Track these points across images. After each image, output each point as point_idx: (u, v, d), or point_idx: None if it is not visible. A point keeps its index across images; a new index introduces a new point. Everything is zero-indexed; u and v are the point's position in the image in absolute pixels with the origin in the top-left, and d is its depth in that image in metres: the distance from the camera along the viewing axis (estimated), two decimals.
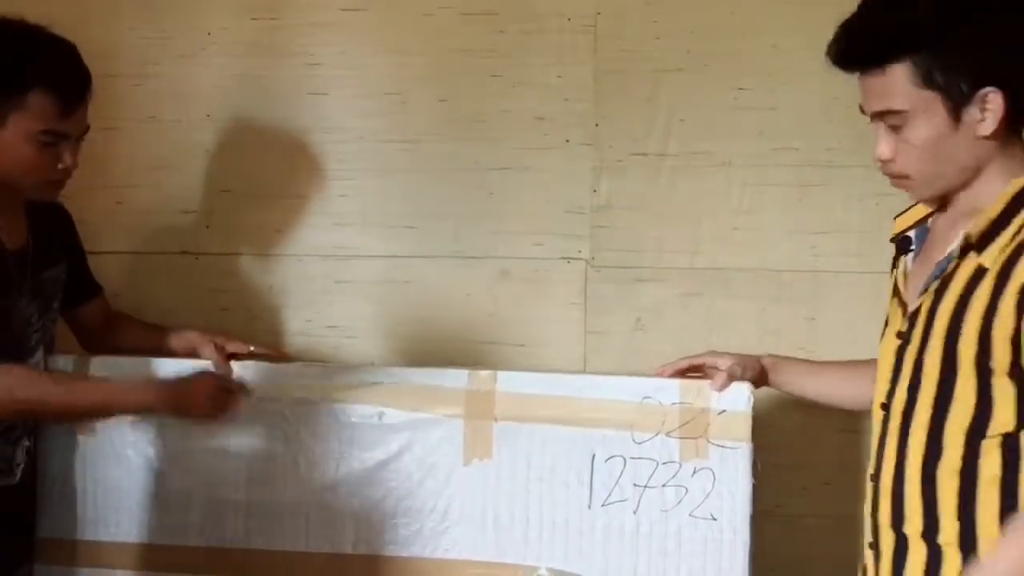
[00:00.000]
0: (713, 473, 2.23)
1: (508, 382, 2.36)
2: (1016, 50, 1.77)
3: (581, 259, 2.85)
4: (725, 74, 2.76)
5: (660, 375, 2.33)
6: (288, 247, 2.95)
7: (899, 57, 1.78)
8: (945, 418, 1.83)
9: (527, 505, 2.32)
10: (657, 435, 2.26)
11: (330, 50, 2.91)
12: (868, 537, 1.98)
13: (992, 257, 1.79)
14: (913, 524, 1.87)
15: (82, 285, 2.61)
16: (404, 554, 2.37)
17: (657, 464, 2.25)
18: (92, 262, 2.65)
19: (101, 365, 2.49)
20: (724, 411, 2.24)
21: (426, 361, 2.60)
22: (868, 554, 1.98)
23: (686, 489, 2.24)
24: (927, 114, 1.79)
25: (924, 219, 2.00)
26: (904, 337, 1.91)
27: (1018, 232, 1.78)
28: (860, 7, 1.83)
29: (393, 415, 2.39)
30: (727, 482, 2.23)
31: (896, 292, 2.00)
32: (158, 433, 2.49)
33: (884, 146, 1.85)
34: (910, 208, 2.04)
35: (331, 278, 2.93)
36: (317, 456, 2.39)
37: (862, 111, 1.88)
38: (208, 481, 2.44)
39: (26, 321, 2.37)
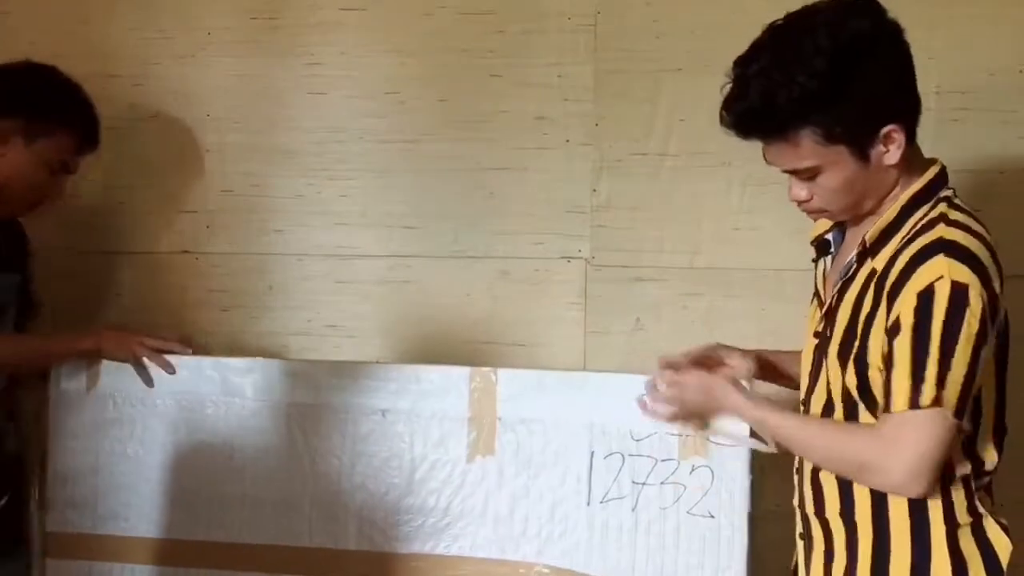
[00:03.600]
0: (712, 471, 2.24)
1: (509, 380, 2.36)
2: (901, 84, 1.87)
3: (581, 259, 2.85)
4: (725, 74, 2.75)
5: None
6: (288, 247, 2.95)
7: (800, 125, 1.83)
8: (855, 411, 1.92)
9: (527, 502, 2.33)
10: (656, 432, 2.26)
11: (330, 50, 2.91)
12: (799, 528, 2.07)
13: (881, 260, 1.88)
14: (831, 507, 1.96)
15: (28, 303, 2.70)
16: (406, 550, 2.38)
17: (656, 461, 2.26)
18: (92, 262, 2.67)
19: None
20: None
21: (426, 361, 2.59)
22: (799, 544, 2.08)
23: (684, 487, 2.25)
24: (837, 165, 1.87)
25: (841, 222, 2.07)
26: (820, 336, 2.00)
27: (905, 236, 1.87)
28: (740, 83, 1.87)
29: (395, 413, 2.41)
30: (725, 480, 2.24)
31: (816, 293, 2.09)
32: (164, 431, 2.52)
33: (798, 191, 1.94)
34: None
35: (331, 278, 2.93)
36: (320, 453, 2.41)
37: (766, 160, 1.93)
38: (212, 477, 2.46)
39: None
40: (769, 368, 2.28)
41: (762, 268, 2.78)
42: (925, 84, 2.66)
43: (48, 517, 2.58)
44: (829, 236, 2.09)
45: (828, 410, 1.96)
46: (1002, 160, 2.69)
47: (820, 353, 2.00)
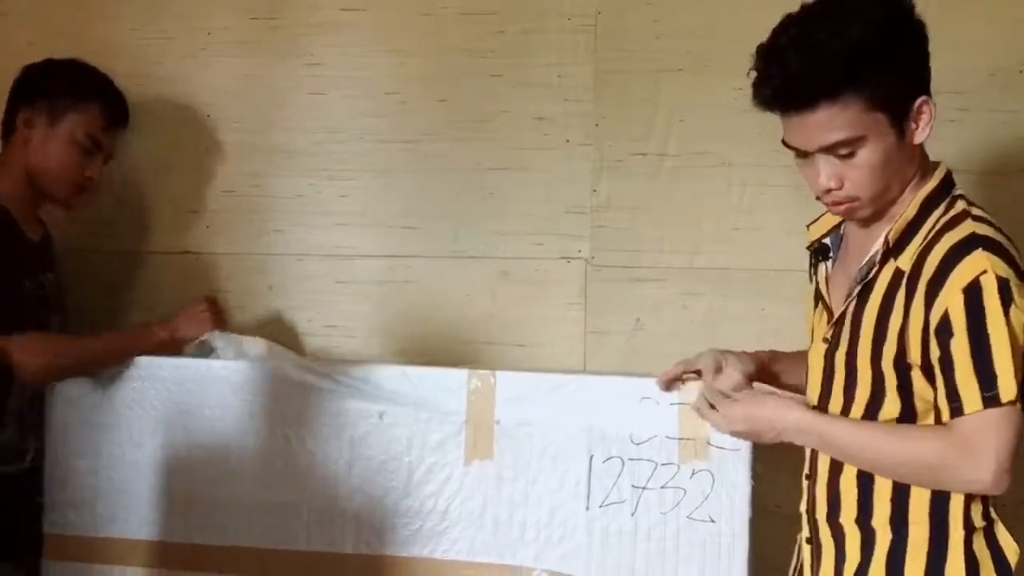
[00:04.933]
0: (712, 475, 2.23)
1: (508, 382, 2.35)
2: (927, 57, 1.90)
3: (581, 259, 2.85)
4: (725, 74, 2.74)
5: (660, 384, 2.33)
6: (288, 247, 2.95)
7: (849, 87, 1.81)
8: (877, 415, 1.91)
9: (526, 506, 2.32)
10: (655, 436, 2.26)
11: (330, 50, 2.92)
12: (805, 533, 2.07)
13: (907, 260, 1.88)
14: (847, 513, 1.96)
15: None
16: (404, 554, 2.37)
17: (656, 465, 2.26)
18: (93, 261, 2.67)
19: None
20: None
21: (426, 361, 2.59)
22: (805, 548, 2.07)
23: (685, 491, 2.25)
24: (878, 136, 1.85)
25: (837, 226, 2.08)
26: (830, 342, 1.99)
27: (928, 234, 1.87)
28: (778, 54, 1.86)
29: (393, 415, 2.39)
30: (726, 484, 2.23)
31: (820, 298, 2.08)
32: (162, 433, 2.51)
33: (829, 176, 1.90)
34: (822, 216, 2.12)
35: (331, 278, 2.93)
36: (317, 456, 2.40)
37: (787, 146, 1.93)
38: (210, 480, 2.45)
39: (44, 311, 2.62)
40: (768, 371, 2.28)
41: (762, 268, 2.78)
42: None
43: (46, 519, 2.57)
44: (827, 240, 2.08)
45: (846, 412, 1.95)
46: (1002, 160, 2.69)
47: (831, 359, 1.99)
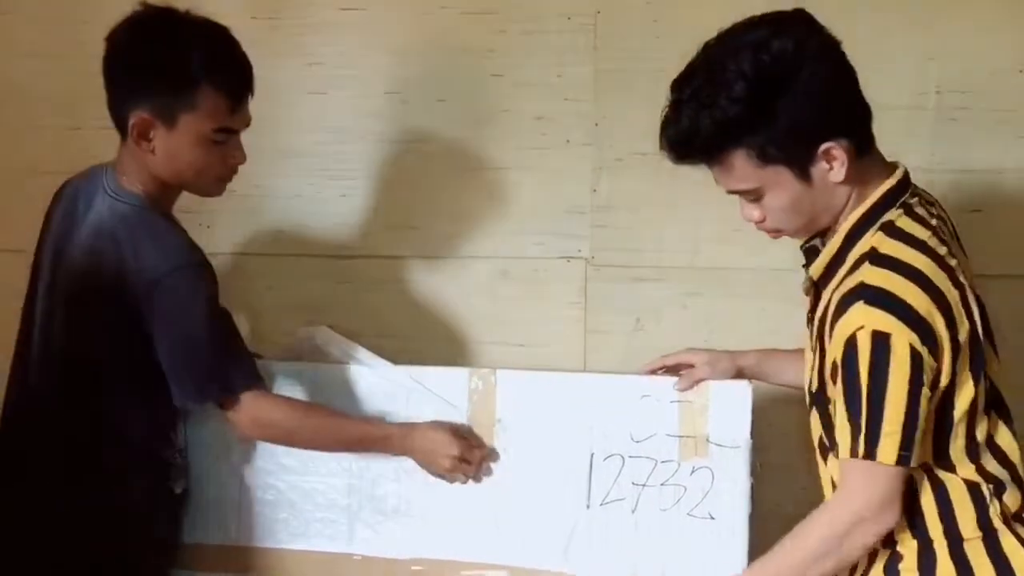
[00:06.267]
0: (712, 472, 2.22)
1: (508, 381, 2.35)
2: (837, 97, 1.82)
3: (581, 259, 2.86)
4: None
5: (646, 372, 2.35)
6: (289, 247, 2.95)
7: (729, 148, 1.82)
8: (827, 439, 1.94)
9: (526, 504, 2.31)
10: (656, 434, 2.25)
11: (330, 50, 2.92)
12: None
13: (828, 294, 1.88)
14: None
15: None
16: (403, 554, 2.36)
17: (656, 463, 2.24)
18: None
19: None
20: (722, 409, 2.25)
21: (426, 361, 2.59)
22: None
23: (685, 488, 2.23)
24: (778, 185, 1.84)
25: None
26: (815, 353, 1.97)
27: (844, 275, 1.85)
28: (673, 107, 1.86)
29: (394, 415, 2.37)
30: (726, 481, 2.22)
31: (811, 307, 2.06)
32: None
33: (749, 212, 1.92)
34: None
35: (331, 278, 2.93)
36: (315, 455, 2.37)
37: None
38: (209, 479, 2.43)
39: None
40: (758, 371, 2.31)
41: (762, 268, 2.78)
42: (925, 84, 2.70)
43: None
44: (817, 242, 2.04)
45: (829, 430, 1.93)
46: (1002, 160, 2.69)
47: (812, 374, 1.99)
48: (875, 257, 1.81)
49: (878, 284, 1.78)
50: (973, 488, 1.88)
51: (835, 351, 1.80)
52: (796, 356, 2.24)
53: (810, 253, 2.06)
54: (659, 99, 2.75)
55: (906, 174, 1.91)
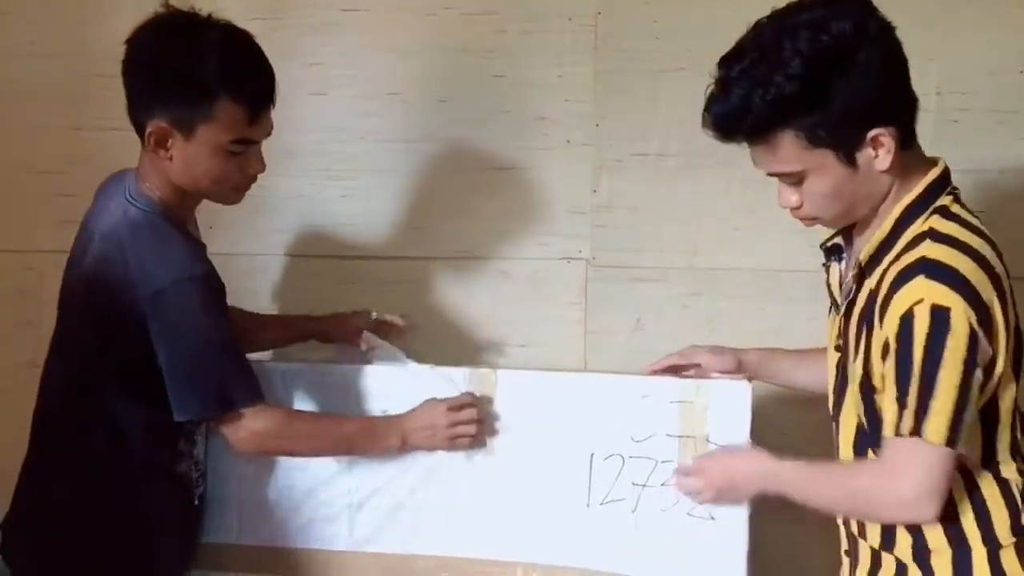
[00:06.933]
0: None
1: (508, 380, 2.35)
2: (889, 84, 1.80)
3: (581, 259, 2.86)
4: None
5: (650, 373, 2.34)
6: (289, 247, 2.95)
7: (778, 128, 1.79)
8: (870, 432, 1.90)
9: (526, 503, 2.30)
10: (656, 434, 2.24)
11: (331, 50, 2.92)
12: (844, 545, 2.06)
13: (875, 280, 1.84)
14: (872, 538, 1.95)
15: None
16: (403, 551, 2.35)
17: (656, 463, 2.23)
18: None
19: None
20: (722, 410, 2.24)
21: (425, 361, 2.59)
22: (845, 561, 2.06)
23: None
24: (822, 169, 1.81)
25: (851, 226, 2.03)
26: (841, 350, 1.97)
27: (899, 253, 1.82)
28: (722, 84, 1.84)
29: (393, 413, 2.35)
30: None
31: (833, 301, 2.05)
32: None
33: (787, 198, 1.89)
34: None
35: (331, 278, 2.93)
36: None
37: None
38: (209, 479, 2.42)
39: None
40: (761, 371, 2.30)
41: (762, 268, 2.79)
42: (925, 84, 2.68)
43: None
44: (839, 240, 2.04)
45: (859, 429, 1.93)
46: (1002, 160, 2.69)
47: (843, 367, 1.96)
48: (936, 235, 1.80)
49: (940, 259, 1.75)
50: (1007, 490, 1.86)
51: (890, 327, 1.75)
52: (799, 357, 2.24)
53: (832, 251, 2.05)
54: (659, 99, 2.80)
55: (947, 167, 1.90)
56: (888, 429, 1.77)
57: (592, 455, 2.27)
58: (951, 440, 1.73)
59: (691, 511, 2.21)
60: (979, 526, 1.84)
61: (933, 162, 1.90)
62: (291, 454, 2.34)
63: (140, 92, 2.14)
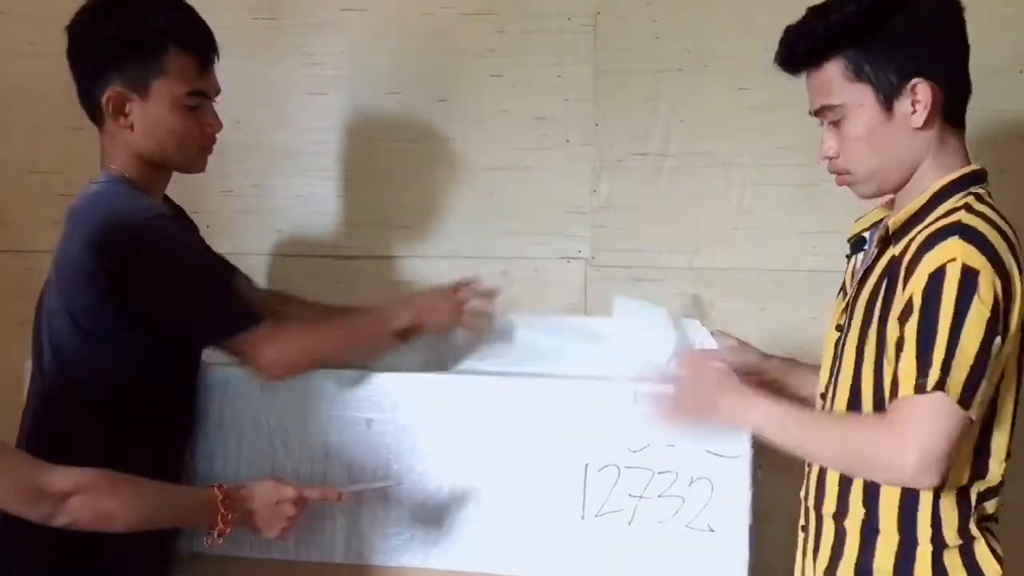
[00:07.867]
0: (711, 483, 2.16)
1: (501, 388, 2.30)
2: (941, 42, 1.89)
3: (581, 259, 2.86)
4: (725, 74, 2.75)
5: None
6: (288, 247, 2.95)
7: (832, 54, 1.89)
8: (859, 407, 1.90)
9: (519, 515, 2.26)
10: (652, 444, 2.20)
11: (330, 50, 2.92)
12: (801, 520, 2.07)
13: (901, 247, 1.86)
14: (828, 506, 1.96)
15: None
16: (395, 564, 2.31)
17: (653, 474, 2.19)
18: None
19: None
20: None
21: (424, 363, 2.58)
22: (800, 536, 2.07)
23: (683, 500, 2.17)
24: (861, 107, 1.88)
25: (880, 220, 2.05)
26: (841, 329, 2.00)
27: (931, 223, 1.83)
28: (807, 12, 1.93)
29: (382, 423, 2.32)
30: (726, 493, 2.16)
31: (843, 287, 2.08)
32: None
33: (829, 143, 1.95)
34: (870, 212, 2.10)
35: (331, 278, 2.93)
36: (305, 464, 2.33)
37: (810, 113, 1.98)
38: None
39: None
40: (774, 382, 2.28)
41: (762, 268, 2.78)
42: None
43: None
44: (866, 234, 2.07)
45: (851, 405, 1.92)
46: (1002, 160, 2.68)
47: (840, 347, 1.98)
48: (971, 210, 1.82)
49: (975, 226, 1.78)
50: (965, 492, 1.86)
51: (917, 284, 1.76)
52: (803, 373, 2.24)
53: (857, 245, 2.08)
54: (659, 99, 2.79)
55: (984, 170, 1.95)
56: (904, 389, 1.75)
57: (587, 466, 2.22)
58: (965, 400, 1.72)
59: (690, 523, 2.18)
60: (931, 523, 1.85)
61: (971, 163, 1.95)
62: (320, 365, 2.30)
63: (91, 66, 2.19)
